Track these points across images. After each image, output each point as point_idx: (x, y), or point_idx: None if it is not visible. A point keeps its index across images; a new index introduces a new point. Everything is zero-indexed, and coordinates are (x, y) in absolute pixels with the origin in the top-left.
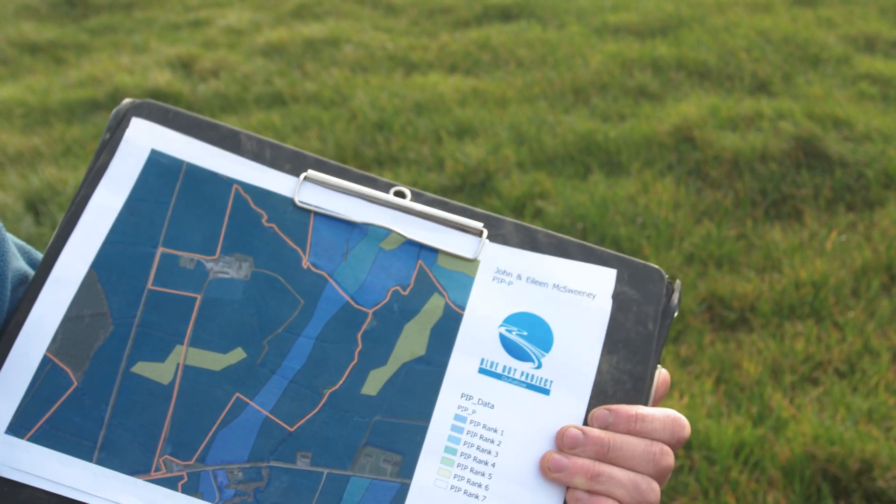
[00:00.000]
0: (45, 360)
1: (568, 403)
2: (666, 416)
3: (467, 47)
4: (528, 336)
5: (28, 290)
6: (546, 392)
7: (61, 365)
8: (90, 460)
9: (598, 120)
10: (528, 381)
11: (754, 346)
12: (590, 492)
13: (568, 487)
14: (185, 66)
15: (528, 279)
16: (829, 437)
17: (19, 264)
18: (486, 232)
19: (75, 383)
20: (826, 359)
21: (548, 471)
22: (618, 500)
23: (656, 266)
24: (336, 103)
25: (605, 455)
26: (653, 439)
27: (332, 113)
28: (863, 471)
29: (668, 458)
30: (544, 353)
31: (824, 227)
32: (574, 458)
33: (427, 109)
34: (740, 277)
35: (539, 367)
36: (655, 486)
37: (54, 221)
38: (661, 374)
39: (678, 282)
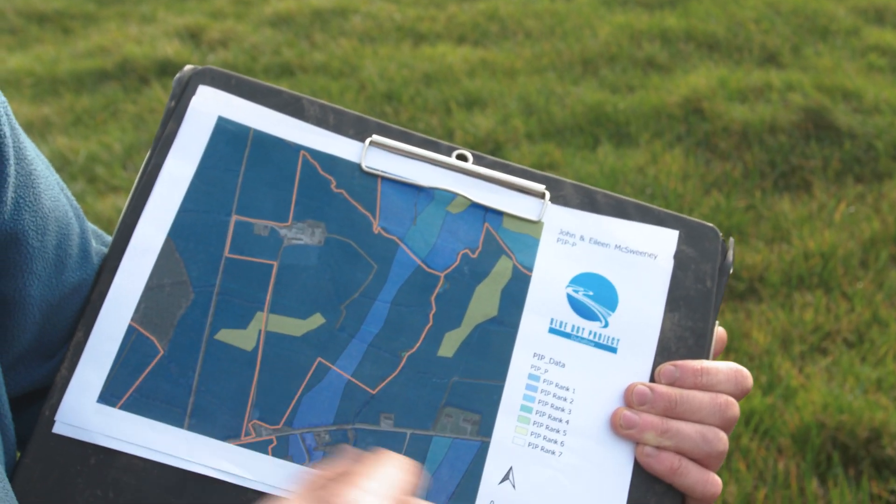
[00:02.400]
0: (131, 330)
1: (634, 361)
2: (729, 368)
3: (475, 18)
4: (594, 296)
5: (107, 260)
6: (613, 350)
7: (146, 334)
8: (182, 427)
9: (607, 91)
10: (597, 340)
11: (763, 315)
12: (659, 447)
13: (638, 443)
14: (193, 37)
15: (590, 240)
16: (838, 405)
17: (97, 247)
18: (548, 194)
19: (161, 352)
20: (835, 329)
21: (619, 427)
22: (686, 454)
23: (711, 224)
24: (345, 74)
25: (672, 410)
26: (718, 391)
27: (340, 83)
28: (871, 439)
29: (734, 408)
30: (610, 313)
31: (833, 198)
32: (644, 414)
33: (436, 80)
34: (749, 248)
35: (606, 326)
36: (723, 436)
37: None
38: (718, 331)
39: (731, 239)
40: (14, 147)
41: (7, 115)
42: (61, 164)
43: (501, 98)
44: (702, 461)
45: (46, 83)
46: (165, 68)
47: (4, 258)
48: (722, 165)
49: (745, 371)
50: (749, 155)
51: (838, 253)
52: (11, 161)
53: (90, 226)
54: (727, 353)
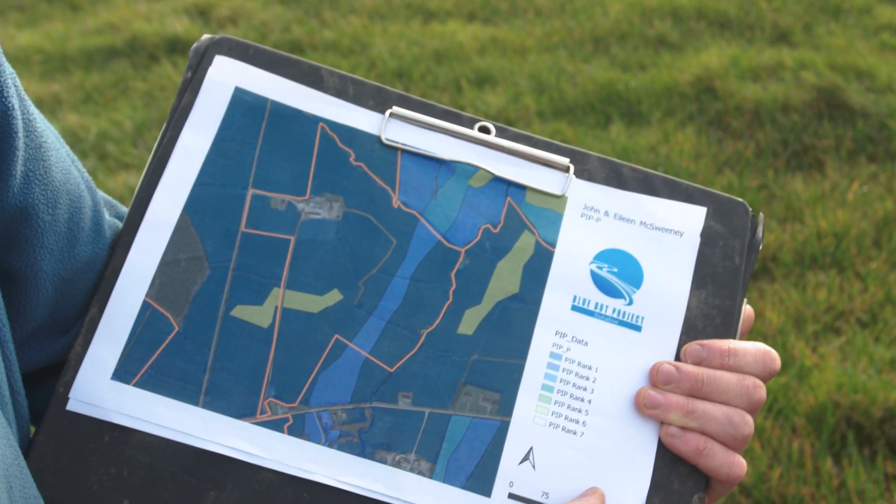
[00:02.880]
0: (145, 306)
1: (660, 339)
2: (757, 349)
3: None
4: (618, 273)
5: (122, 235)
6: (638, 329)
7: (161, 310)
8: (196, 404)
9: (619, 69)
10: (620, 317)
11: (777, 295)
12: (683, 427)
13: (662, 423)
14: (202, 14)
15: (615, 216)
16: (852, 385)
17: (110, 219)
18: (572, 168)
19: (176, 328)
20: (848, 308)
21: (643, 407)
22: (712, 435)
23: (741, 199)
24: (355, 52)
25: (699, 390)
26: (745, 373)
27: (351, 61)
28: (886, 418)
29: (761, 391)
30: (635, 290)
31: (846, 177)
32: (669, 394)
33: (446, 58)
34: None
35: (630, 303)
36: (749, 419)
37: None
38: (745, 309)
39: (761, 215)
40: (23, 119)
41: (16, 86)
42: (72, 142)
43: (512, 76)
44: (726, 444)
45: (56, 60)
46: (175, 46)
47: (15, 232)
48: (734, 144)
49: (773, 353)
50: (761, 134)
51: (851, 233)
52: (20, 134)
53: (103, 196)
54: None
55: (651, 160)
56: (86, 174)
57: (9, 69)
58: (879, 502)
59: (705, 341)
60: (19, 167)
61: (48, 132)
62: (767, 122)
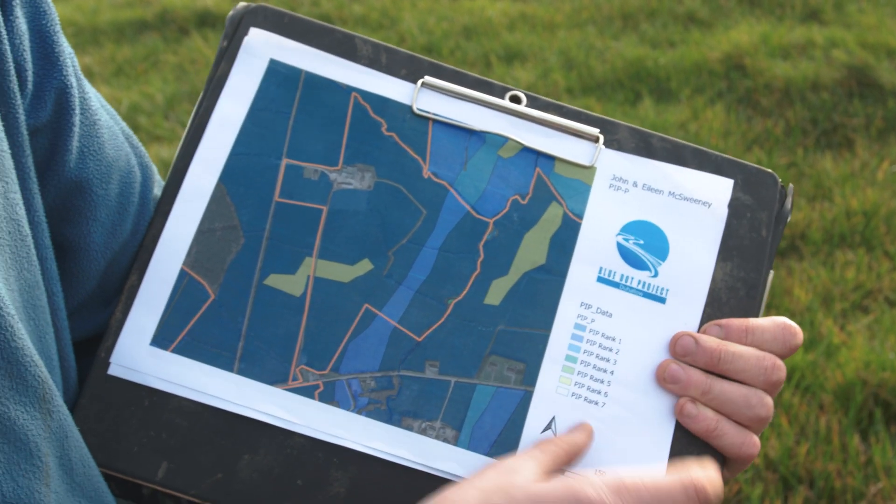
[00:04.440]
0: (182, 274)
1: (683, 312)
2: (776, 325)
3: None
4: (644, 245)
5: (160, 204)
6: (662, 301)
7: (198, 278)
8: (231, 370)
9: (648, 46)
10: (645, 289)
11: (805, 273)
12: (702, 403)
13: (680, 397)
14: None
15: (644, 186)
16: (880, 363)
17: (157, 193)
18: (601, 138)
19: (212, 296)
20: (876, 287)
21: (663, 381)
22: (728, 415)
23: (770, 170)
24: (384, 26)
25: (715, 366)
26: (764, 350)
27: (380, 36)
28: None
29: (780, 372)
30: (661, 262)
31: (875, 156)
32: (690, 370)
33: (476, 33)
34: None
35: (655, 275)
36: (768, 401)
37: None
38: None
39: (791, 186)
40: (79, 97)
41: (74, 65)
42: None
43: (541, 52)
44: (741, 423)
45: (87, 33)
46: (205, 19)
47: (70, 205)
48: (763, 122)
49: (794, 327)
50: (791, 112)
51: (881, 211)
52: (77, 111)
53: (158, 177)
54: (768, 309)
55: (680, 137)
56: (141, 149)
57: (68, 48)
58: None
59: (723, 321)
60: (75, 143)
61: (101, 110)
62: (797, 100)
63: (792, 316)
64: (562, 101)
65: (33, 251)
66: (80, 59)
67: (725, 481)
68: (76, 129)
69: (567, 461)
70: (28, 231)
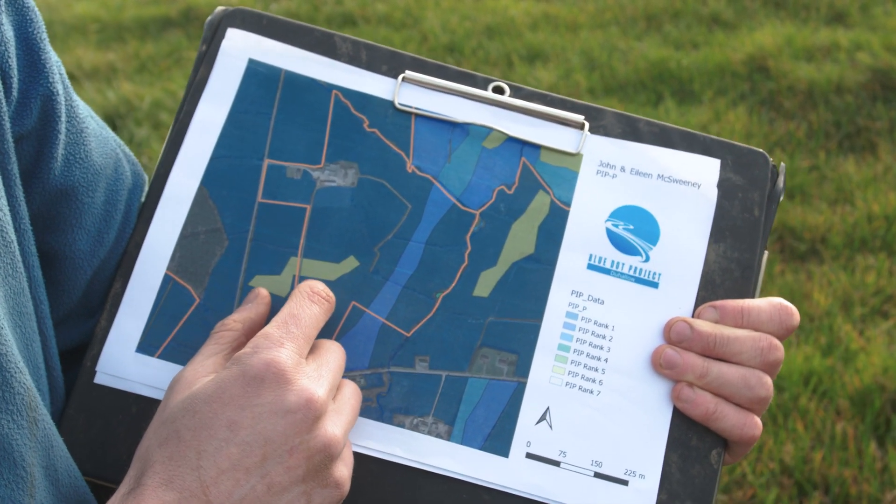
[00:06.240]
0: (167, 279)
1: (677, 295)
2: (772, 306)
3: None
4: (634, 229)
5: (143, 211)
6: (655, 285)
7: (182, 282)
8: None
9: (671, 47)
10: (637, 275)
11: (825, 277)
12: (699, 387)
13: (676, 382)
14: None
15: (631, 171)
16: None
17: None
18: (587, 124)
19: (197, 300)
20: None
21: (659, 366)
22: (727, 397)
23: (761, 150)
24: (407, 25)
25: (711, 350)
26: (761, 332)
27: (402, 35)
28: None
29: (777, 352)
30: (651, 246)
31: None
32: (686, 354)
33: (498, 33)
34: (812, 209)
35: (647, 260)
36: (767, 381)
37: (131, 136)
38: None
39: (783, 165)
40: (66, 105)
41: (60, 74)
42: (126, 110)
43: (564, 52)
44: (742, 405)
45: (111, 29)
46: None
47: (55, 213)
48: (786, 125)
49: (790, 307)
50: (814, 115)
51: None
52: (63, 118)
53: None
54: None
55: None
56: (133, 157)
57: (54, 57)
58: None
59: (718, 302)
60: (61, 150)
61: (90, 119)
62: (821, 103)
63: (811, 320)
64: (584, 102)
65: (19, 258)
66: (103, 56)
67: (729, 465)
68: (62, 137)
69: (244, 341)
70: (13, 237)
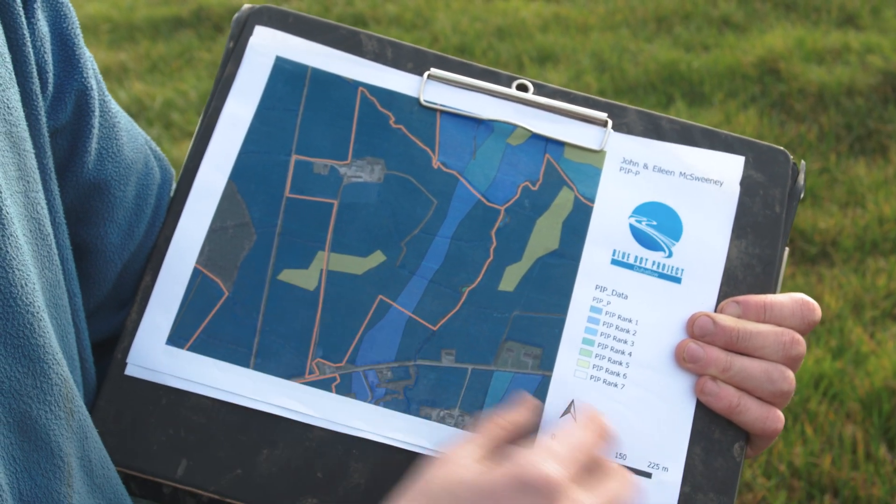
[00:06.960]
0: (196, 272)
1: (699, 291)
2: (794, 301)
3: None
4: (657, 226)
5: (172, 205)
6: (678, 281)
7: (211, 276)
8: (247, 366)
9: (681, 49)
10: (660, 270)
11: (835, 280)
12: (722, 381)
13: (699, 376)
14: None
15: (654, 168)
16: None
17: None
18: (610, 122)
19: (226, 293)
20: None
21: (683, 360)
22: (749, 391)
23: (781, 147)
24: (417, 26)
25: (734, 345)
26: (783, 326)
27: (413, 36)
28: None
29: (799, 346)
30: (674, 242)
31: None
32: (709, 349)
33: (509, 34)
34: (822, 212)
35: (670, 255)
36: (789, 374)
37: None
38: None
39: (803, 162)
40: (99, 100)
41: (94, 69)
42: (138, 110)
43: (574, 54)
44: (764, 398)
45: (123, 29)
46: None
47: (88, 206)
48: (797, 127)
49: (812, 303)
50: (825, 117)
51: None
52: (96, 113)
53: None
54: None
55: None
56: (160, 153)
57: (87, 53)
58: None
59: (740, 297)
60: (94, 144)
61: (121, 114)
62: (831, 106)
63: (821, 323)
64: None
65: (55, 250)
66: (115, 56)
67: (751, 458)
68: (95, 131)
69: (509, 440)
70: (50, 230)
